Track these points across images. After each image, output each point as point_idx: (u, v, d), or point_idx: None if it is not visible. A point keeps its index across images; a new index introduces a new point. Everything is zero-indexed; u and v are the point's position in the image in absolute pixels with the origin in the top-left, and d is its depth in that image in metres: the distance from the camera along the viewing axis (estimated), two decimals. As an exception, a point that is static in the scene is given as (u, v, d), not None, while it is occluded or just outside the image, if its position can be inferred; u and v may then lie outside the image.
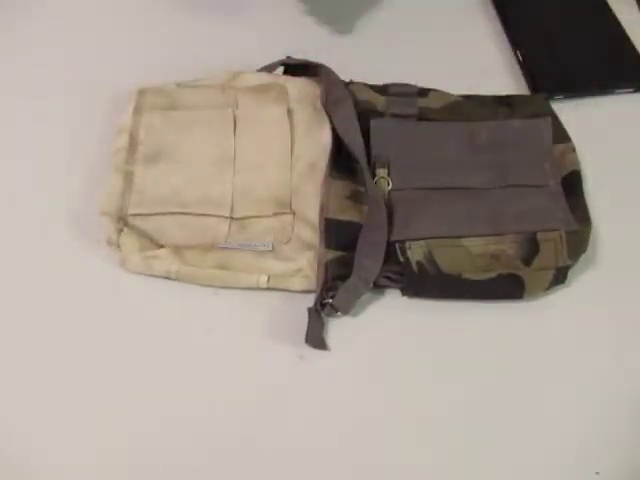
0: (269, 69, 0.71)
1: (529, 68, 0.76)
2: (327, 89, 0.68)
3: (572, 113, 0.73)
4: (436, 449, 0.56)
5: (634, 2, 0.84)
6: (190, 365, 0.58)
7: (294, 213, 0.63)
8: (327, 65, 0.70)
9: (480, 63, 0.78)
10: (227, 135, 0.66)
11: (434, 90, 0.71)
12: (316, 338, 0.58)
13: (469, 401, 0.58)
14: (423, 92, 0.70)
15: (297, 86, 0.70)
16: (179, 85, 0.69)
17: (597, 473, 0.55)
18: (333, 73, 0.69)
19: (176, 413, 0.56)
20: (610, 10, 0.82)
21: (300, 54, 0.72)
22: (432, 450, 0.55)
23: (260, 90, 0.68)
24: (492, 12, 0.83)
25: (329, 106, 0.67)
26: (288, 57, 0.72)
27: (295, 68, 0.71)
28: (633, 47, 0.78)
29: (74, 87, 0.72)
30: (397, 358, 0.59)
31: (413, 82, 0.71)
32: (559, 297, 0.62)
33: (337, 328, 0.60)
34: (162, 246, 0.61)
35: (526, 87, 0.76)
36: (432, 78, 0.73)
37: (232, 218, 0.62)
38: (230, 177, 0.64)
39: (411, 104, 0.69)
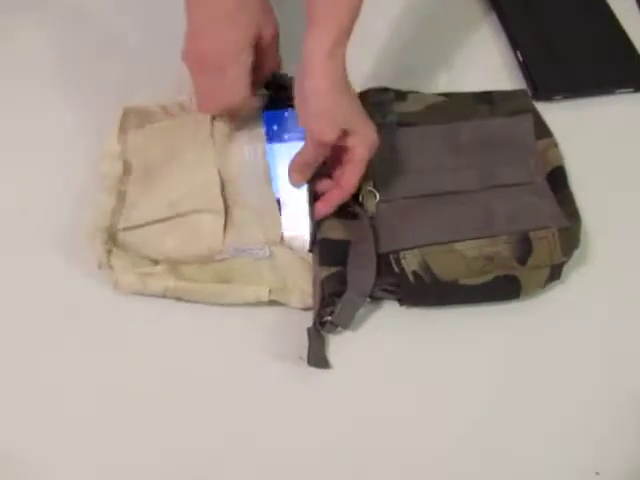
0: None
1: (529, 68, 0.76)
2: None
3: (572, 113, 0.73)
4: (437, 446, 0.56)
5: (634, 2, 0.84)
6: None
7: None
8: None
9: (480, 63, 0.78)
10: (206, 137, 0.65)
11: (412, 92, 0.70)
12: (318, 358, 0.58)
13: (469, 402, 0.58)
14: (401, 96, 0.69)
15: None
16: (163, 108, 0.68)
17: (597, 473, 0.55)
18: None
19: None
20: (610, 10, 0.82)
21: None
22: (433, 447, 0.56)
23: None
24: (492, 13, 0.83)
25: None
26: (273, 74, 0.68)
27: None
28: (633, 47, 0.78)
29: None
30: (398, 369, 0.59)
31: (413, 82, 0.71)
32: (556, 293, 0.62)
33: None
34: (157, 262, 0.60)
35: (526, 87, 0.76)
36: (432, 78, 0.74)
37: (225, 214, 0.61)
38: (215, 169, 0.63)
39: (389, 112, 0.68)
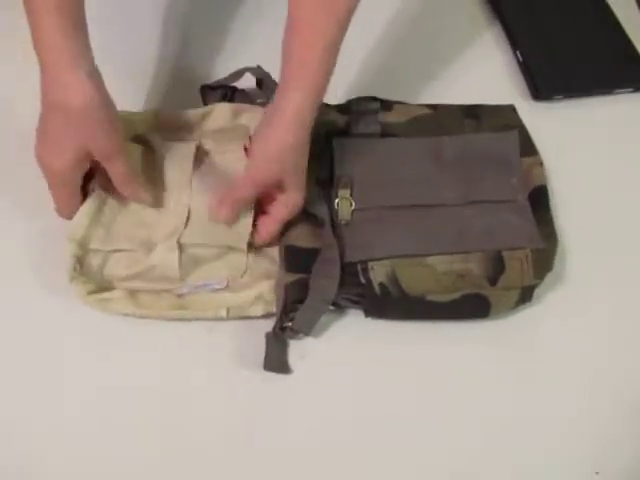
0: (234, 77, 0.70)
1: (529, 68, 0.76)
2: None
3: (572, 113, 0.73)
4: (432, 451, 0.56)
5: (634, 2, 0.84)
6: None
7: (249, 245, 0.61)
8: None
9: (480, 64, 0.78)
10: (185, 168, 0.64)
11: (399, 103, 0.69)
12: (275, 363, 0.57)
13: (461, 405, 0.57)
14: (387, 106, 0.69)
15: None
16: (154, 113, 0.68)
17: (597, 473, 0.55)
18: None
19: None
20: (610, 10, 0.82)
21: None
22: (426, 453, 0.56)
23: (223, 131, 0.67)
24: (492, 13, 0.83)
25: None
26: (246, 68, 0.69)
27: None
28: (633, 47, 0.78)
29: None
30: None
31: (413, 82, 0.71)
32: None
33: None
34: (113, 287, 0.60)
35: (526, 87, 0.76)
36: (432, 79, 0.74)
37: (181, 250, 0.60)
38: (186, 202, 0.62)
39: (374, 121, 0.67)
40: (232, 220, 0.61)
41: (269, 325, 0.58)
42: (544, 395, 0.58)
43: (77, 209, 0.61)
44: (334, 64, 0.59)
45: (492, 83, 0.75)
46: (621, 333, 0.61)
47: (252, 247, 0.62)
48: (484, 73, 0.77)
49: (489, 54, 0.79)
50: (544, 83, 0.75)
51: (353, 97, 0.69)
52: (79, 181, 0.60)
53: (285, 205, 0.60)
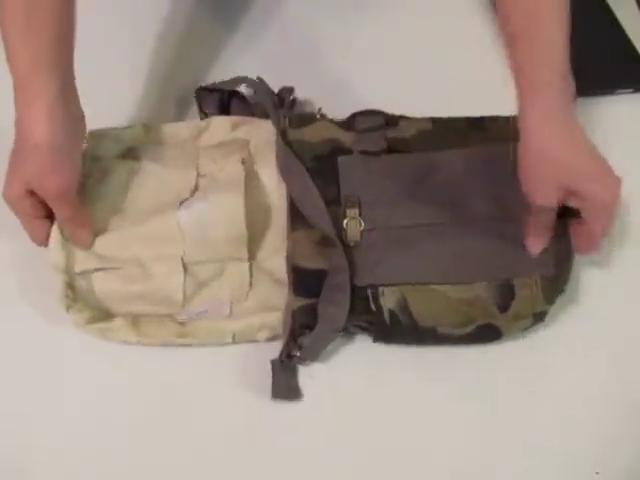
0: (231, 84, 0.68)
1: (529, 68, 0.76)
2: (277, 154, 0.63)
3: (572, 113, 0.73)
4: (433, 453, 0.56)
5: (634, 2, 0.84)
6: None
7: (252, 261, 0.60)
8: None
9: (479, 64, 0.78)
10: (182, 194, 0.62)
11: (404, 117, 0.67)
12: (284, 390, 0.56)
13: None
14: (392, 121, 0.67)
15: (262, 132, 0.65)
16: (145, 127, 0.66)
17: (597, 473, 0.55)
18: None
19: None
20: (610, 10, 0.81)
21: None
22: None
23: (220, 146, 0.65)
24: (492, 13, 0.83)
25: (282, 174, 0.63)
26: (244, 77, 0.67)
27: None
28: (633, 47, 0.78)
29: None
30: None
31: (412, 83, 0.71)
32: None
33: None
34: (112, 315, 0.58)
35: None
36: (431, 79, 0.74)
37: (185, 269, 0.59)
38: (184, 220, 0.60)
39: (379, 138, 0.65)
40: (542, 247, 0.59)
41: (275, 346, 0.57)
42: (544, 395, 0.58)
43: (46, 235, 0.59)
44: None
45: (492, 83, 0.75)
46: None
47: (252, 260, 0.60)
48: (484, 73, 0.77)
49: (489, 54, 0.79)
50: (544, 83, 0.75)
51: (357, 110, 0.67)
52: (36, 210, 0.58)
53: (591, 208, 0.56)
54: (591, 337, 0.61)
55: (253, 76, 0.68)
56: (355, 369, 0.59)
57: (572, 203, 0.56)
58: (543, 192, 0.56)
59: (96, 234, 0.60)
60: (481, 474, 0.55)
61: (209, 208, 0.60)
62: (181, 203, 0.61)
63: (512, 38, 0.58)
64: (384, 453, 0.56)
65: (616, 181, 0.56)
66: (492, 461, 0.56)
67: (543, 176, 0.55)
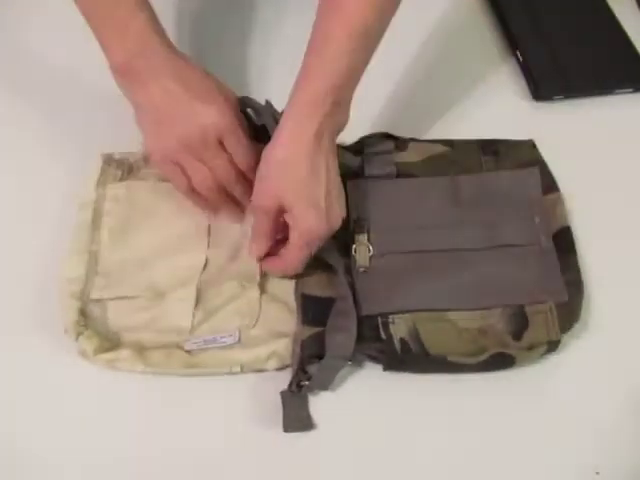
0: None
1: (529, 68, 0.76)
2: None
3: (572, 113, 0.73)
4: (433, 453, 0.56)
5: (634, 2, 0.84)
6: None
7: (261, 289, 0.60)
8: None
9: (480, 64, 0.78)
10: (200, 224, 0.63)
11: (413, 140, 0.66)
12: (295, 422, 0.54)
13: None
14: (401, 146, 0.66)
15: None
16: (145, 157, 0.65)
17: (597, 473, 0.55)
18: None
19: None
20: (610, 10, 0.82)
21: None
22: (425, 458, 0.56)
23: None
24: (492, 13, 0.83)
25: None
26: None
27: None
28: (633, 47, 0.78)
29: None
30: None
31: (412, 83, 0.71)
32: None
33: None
34: (120, 344, 0.57)
35: (526, 88, 0.76)
36: (431, 80, 0.74)
37: (196, 304, 0.59)
38: (204, 250, 0.62)
39: (389, 162, 0.65)
40: (261, 254, 0.59)
41: (285, 375, 0.56)
42: (544, 395, 0.58)
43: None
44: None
45: (492, 84, 0.75)
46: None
47: (263, 291, 0.60)
48: (484, 73, 0.77)
49: (489, 54, 0.79)
50: (544, 83, 0.75)
51: (365, 134, 0.67)
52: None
53: (295, 228, 0.56)
54: (592, 342, 0.61)
55: (255, 90, 0.68)
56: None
57: (287, 218, 0.57)
58: (260, 192, 0.57)
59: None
60: (480, 474, 0.55)
61: None
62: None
63: (309, 42, 0.57)
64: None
65: (334, 219, 0.57)
66: (492, 461, 0.55)
67: (269, 177, 0.56)
